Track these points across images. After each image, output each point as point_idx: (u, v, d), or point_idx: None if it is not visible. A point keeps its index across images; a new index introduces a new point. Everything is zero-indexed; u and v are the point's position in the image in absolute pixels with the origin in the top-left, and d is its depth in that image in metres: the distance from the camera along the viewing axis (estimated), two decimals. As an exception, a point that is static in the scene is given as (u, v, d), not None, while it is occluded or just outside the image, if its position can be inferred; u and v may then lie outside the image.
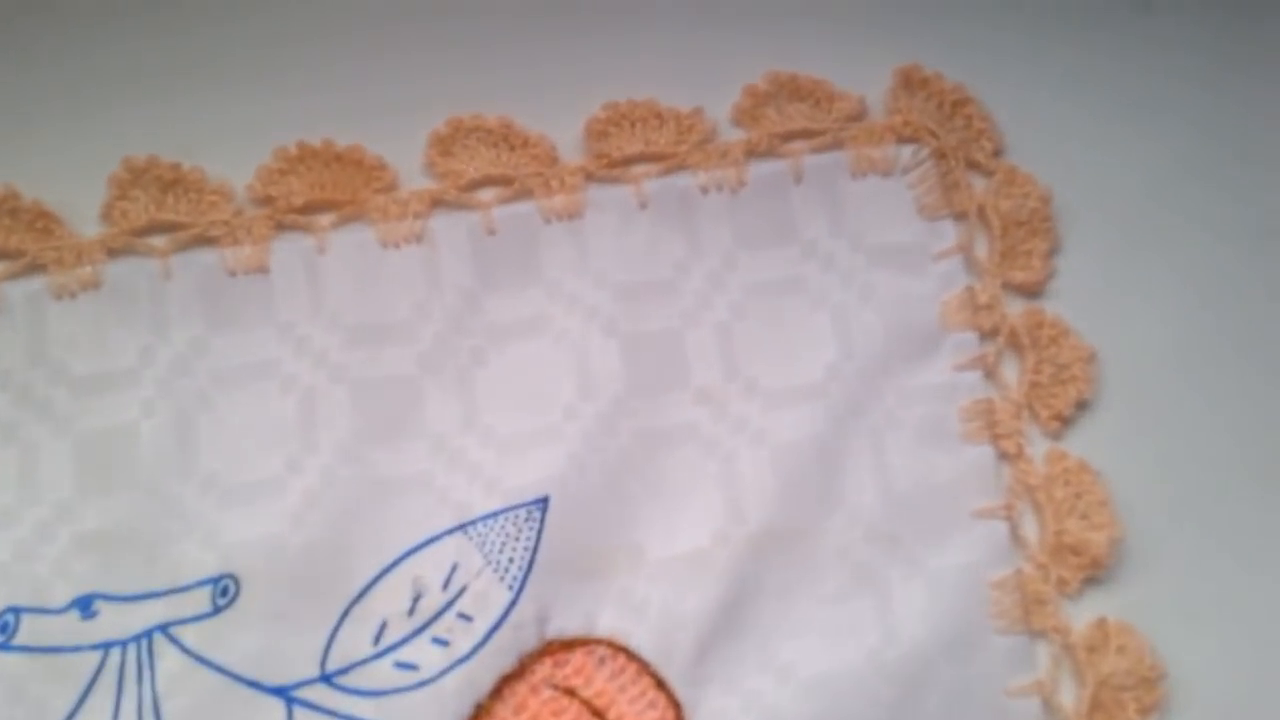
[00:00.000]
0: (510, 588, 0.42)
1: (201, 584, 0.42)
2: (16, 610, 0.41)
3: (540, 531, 0.43)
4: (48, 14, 0.46)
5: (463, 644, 0.41)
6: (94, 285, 0.43)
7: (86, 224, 0.44)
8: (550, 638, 0.42)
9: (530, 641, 0.42)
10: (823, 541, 0.43)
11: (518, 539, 0.43)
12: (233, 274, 0.44)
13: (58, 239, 0.44)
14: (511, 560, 0.43)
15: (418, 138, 0.46)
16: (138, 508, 0.42)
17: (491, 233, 0.46)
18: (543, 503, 0.43)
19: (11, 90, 0.45)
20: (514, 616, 0.42)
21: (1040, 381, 0.46)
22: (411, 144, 0.46)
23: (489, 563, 0.43)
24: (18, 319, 0.43)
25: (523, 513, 0.43)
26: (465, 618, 0.42)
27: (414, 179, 0.46)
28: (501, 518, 0.43)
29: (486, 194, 0.46)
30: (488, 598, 0.42)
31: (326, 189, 0.45)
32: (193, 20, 0.47)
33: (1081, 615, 0.43)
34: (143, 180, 0.44)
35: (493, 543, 0.43)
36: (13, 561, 0.41)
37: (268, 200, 0.45)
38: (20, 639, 0.41)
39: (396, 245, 0.45)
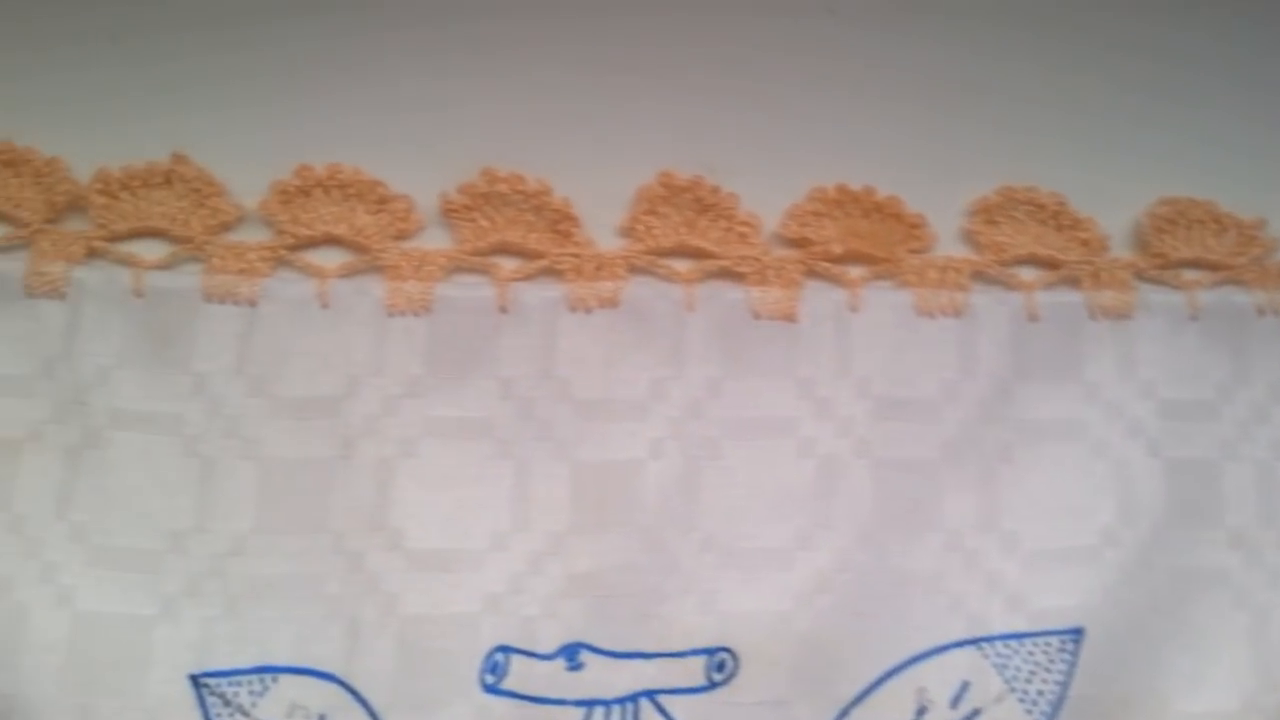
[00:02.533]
0: (1038, 723, 0.39)
1: (696, 653, 0.38)
2: (507, 651, 0.37)
3: (1074, 666, 0.39)
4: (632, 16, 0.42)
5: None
6: (612, 303, 0.40)
7: (603, 234, 0.42)
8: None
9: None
10: None
11: (1049, 670, 0.38)
12: (757, 316, 0.40)
13: (578, 245, 0.41)
14: (1041, 693, 0.38)
15: (957, 200, 0.43)
16: (633, 555, 0.38)
17: (1033, 319, 0.42)
18: (1077, 634, 0.39)
19: (556, 89, 0.41)
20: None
21: None
22: (950, 206, 0.43)
23: (1012, 690, 0.38)
24: (532, 324, 0.39)
25: (1055, 641, 0.39)
26: (980, 743, 0.38)
27: (950, 244, 0.43)
28: (1029, 642, 0.39)
29: (1029, 273, 0.43)
30: (1010, 728, 0.38)
31: (863, 240, 0.41)
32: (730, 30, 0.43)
33: None
34: (678, 199, 0.41)
35: (1017, 668, 0.38)
36: (506, 595, 0.37)
37: (801, 243, 0.41)
38: (509, 683, 0.37)
39: (932, 315, 0.41)
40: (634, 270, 0.40)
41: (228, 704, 0.36)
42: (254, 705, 0.36)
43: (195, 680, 0.36)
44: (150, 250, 0.39)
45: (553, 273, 0.40)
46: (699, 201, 0.41)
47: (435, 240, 0.40)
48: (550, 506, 0.38)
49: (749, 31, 0.43)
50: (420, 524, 0.38)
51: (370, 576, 0.37)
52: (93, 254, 0.39)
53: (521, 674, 0.37)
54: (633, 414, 0.39)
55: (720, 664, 0.38)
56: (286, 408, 0.39)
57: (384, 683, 0.36)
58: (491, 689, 0.36)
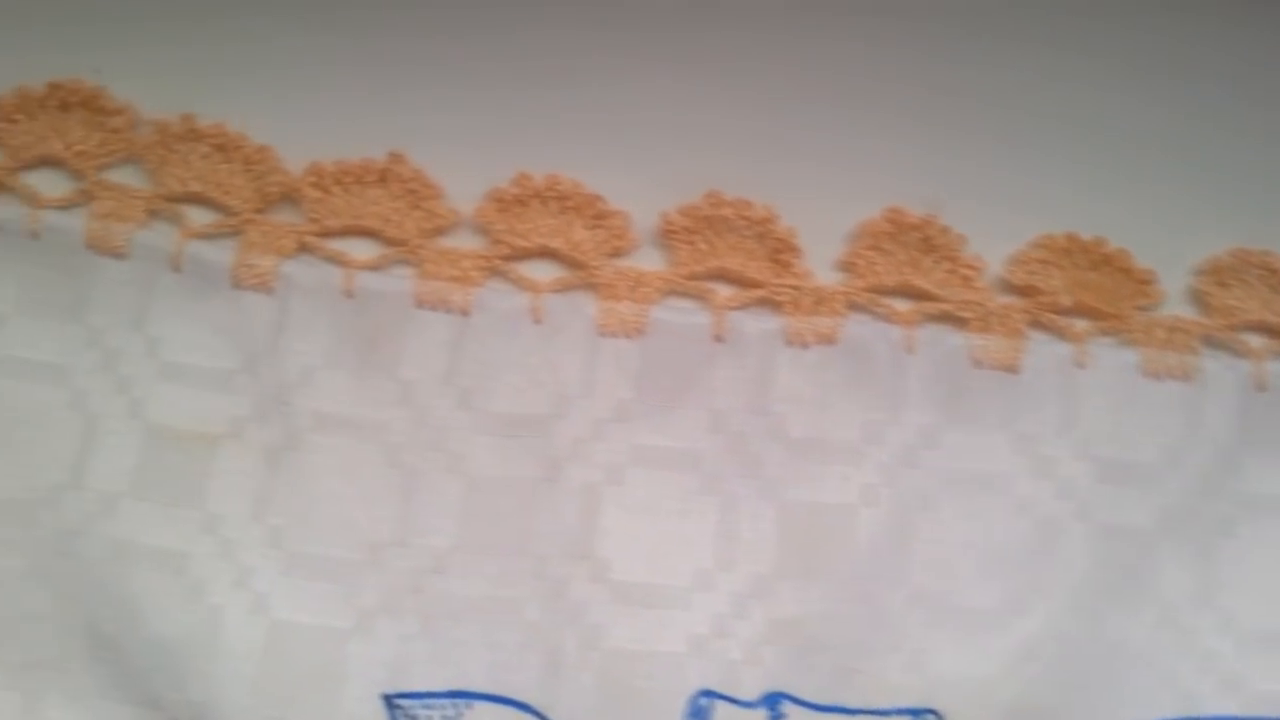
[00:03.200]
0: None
1: (901, 713, 0.36)
2: (711, 695, 0.36)
3: (1292, 757, 0.37)
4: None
5: None
6: (830, 340, 0.38)
7: (819, 267, 0.40)
8: None
9: None
10: None
11: (1264, 758, 0.37)
12: (978, 364, 0.38)
13: (797, 277, 0.39)
14: (1256, 782, 0.37)
15: (1185, 257, 0.41)
16: (840, 604, 0.36)
17: (1262, 389, 0.40)
18: (1299, 722, 0.38)
19: (782, 114, 0.40)
20: None
21: None
22: (1178, 263, 0.40)
23: (1225, 775, 0.37)
24: (747, 356, 0.38)
25: (1276, 728, 0.38)
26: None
27: (1175, 303, 0.41)
28: (1251, 729, 0.38)
29: (1256, 340, 0.41)
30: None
31: (1091, 293, 0.39)
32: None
33: None
34: (904, 236, 0.39)
35: (1232, 754, 0.37)
36: (710, 637, 0.36)
37: (1027, 291, 0.39)
38: (711, 730, 0.36)
39: (1158, 377, 0.40)
40: (852, 307, 0.39)
41: (420, 728, 0.35)
42: (447, 729, 0.35)
43: (389, 700, 0.35)
44: (360, 249, 0.38)
45: (769, 303, 0.38)
46: (926, 241, 0.39)
47: (647, 260, 0.39)
48: (756, 547, 0.37)
49: (985, 73, 0.41)
50: (625, 555, 0.36)
51: (573, 606, 0.36)
52: (303, 249, 0.38)
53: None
54: (845, 457, 0.37)
55: (928, 729, 0.37)
56: (493, 423, 0.37)
57: (583, 718, 0.35)
58: (696, 735, 0.36)
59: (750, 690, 0.36)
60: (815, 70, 0.41)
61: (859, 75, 0.41)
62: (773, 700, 0.36)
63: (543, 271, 0.39)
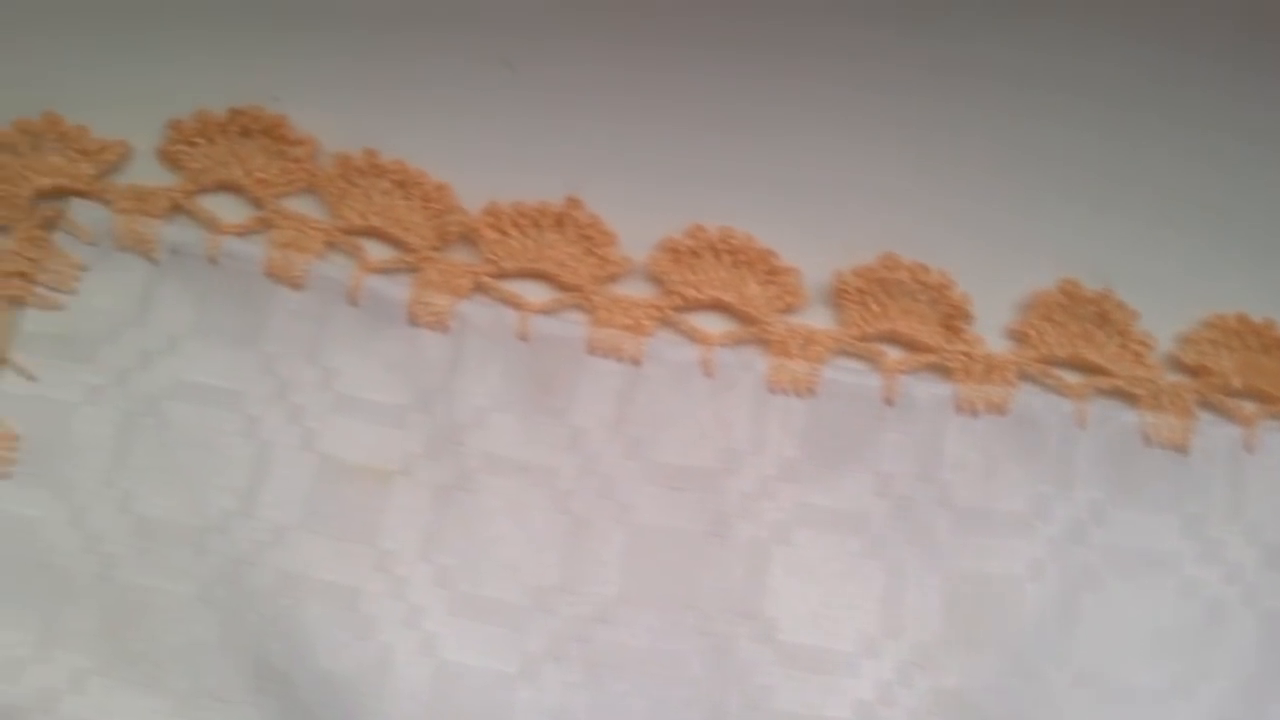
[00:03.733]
0: None
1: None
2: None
3: None
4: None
5: None
6: (1000, 409, 0.38)
7: (990, 334, 0.39)
8: None
9: None
10: None
11: None
12: (1148, 442, 0.38)
13: (968, 344, 0.39)
14: None
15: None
16: (1003, 678, 0.36)
17: None
18: None
19: (956, 181, 0.40)
20: None
21: None
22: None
23: None
24: (917, 422, 0.37)
25: None
26: None
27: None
28: None
29: None
30: None
31: (1262, 376, 0.39)
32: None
33: None
34: (1078, 309, 0.38)
35: None
36: (876, 704, 0.36)
37: (1197, 371, 0.39)
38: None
39: (1324, 463, 0.40)
40: (1023, 377, 0.38)
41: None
42: None
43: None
44: (534, 293, 0.38)
45: (940, 369, 0.38)
46: (1100, 314, 0.39)
47: (818, 319, 0.39)
48: (921, 614, 0.36)
49: (1160, 152, 0.41)
50: (792, 616, 0.36)
51: (739, 665, 0.35)
52: (478, 289, 0.38)
53: None
54: (1013, 529, 0.37)
55: None
56: (662, 474, 0.37)
57: None
58: None
59: None
60: (995, 140, 0.40)
61: (1038, 147, 0.41)
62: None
63: (714, 324, 0.39)
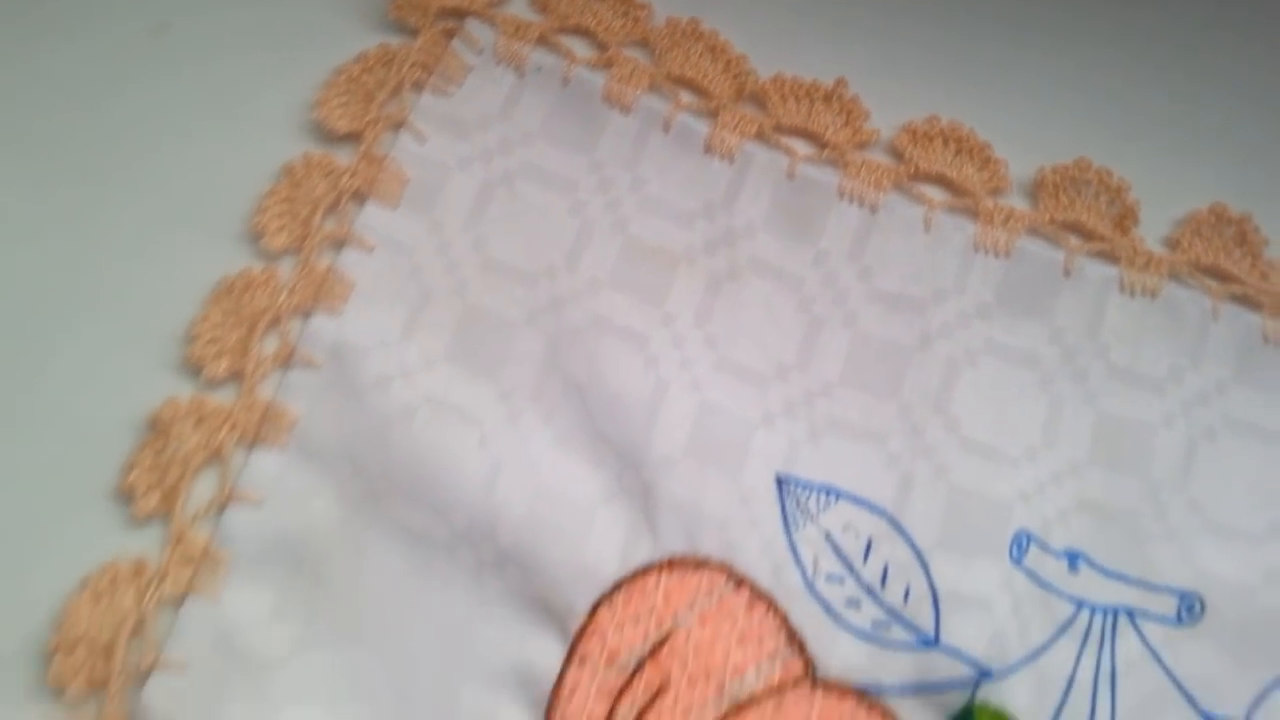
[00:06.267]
0: None
1: (1171, 591, 0.45)
2: (1028, 536, 0.45)
3: None
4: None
5: None
6: (1152, 294, 0.48)
7: (1150, 236, 0.49)
8: None
9: None
10: None
11: None
12: (1265, 340, 0.48)
13: (1134, 241, 0.49)
14: None
15: None
16: (1133, 497, 0.45)
17: None
18: None
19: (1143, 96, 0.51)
20: None
21: None
22: None
23: None
24: (1085, 293, 0.48)
25: None
26: None
27: None
28: None
29: None
30: None
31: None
32: None
33: None
34: (1223, 227, 0.48)
35: None
36: (1032, 493, 0.45)
37: (1315, 291, 0.50)
38: (1026, 562, 0.45)
39: None
40: (1173, 274, 0.48)
41: (799, 505, 0.44)
42: (818, 513, 0.44)
43: (779, 479, 0.44)
44: (801, 147, 0.49)
45: (1108, 256, 0.48)
46: (1240, 235, 0.48)
47: (1018, 202, 0.49)
48: (1074, 439, 0.46)
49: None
50: (973, 417, 0.46)
51: (928, 445, 0.45)
52: (760, 136, 0.49)
53: (1035, 559, 0.44)
54: (1153, 387, 0.47)
55: (1191, 606, 0.44)
56: (883, 296, 0.47)
57: (928, 527, 0.44)
58: (1014, 560, 0.44)
59: (1057, 543, 0.45)
60: (1188, 73, 0.51)
61: (1223, 85, 0.51)
62: (1073, 556, 0.45)
63: (935, 194, 0.49)
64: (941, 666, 0.42)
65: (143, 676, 0.40)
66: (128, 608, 0.41)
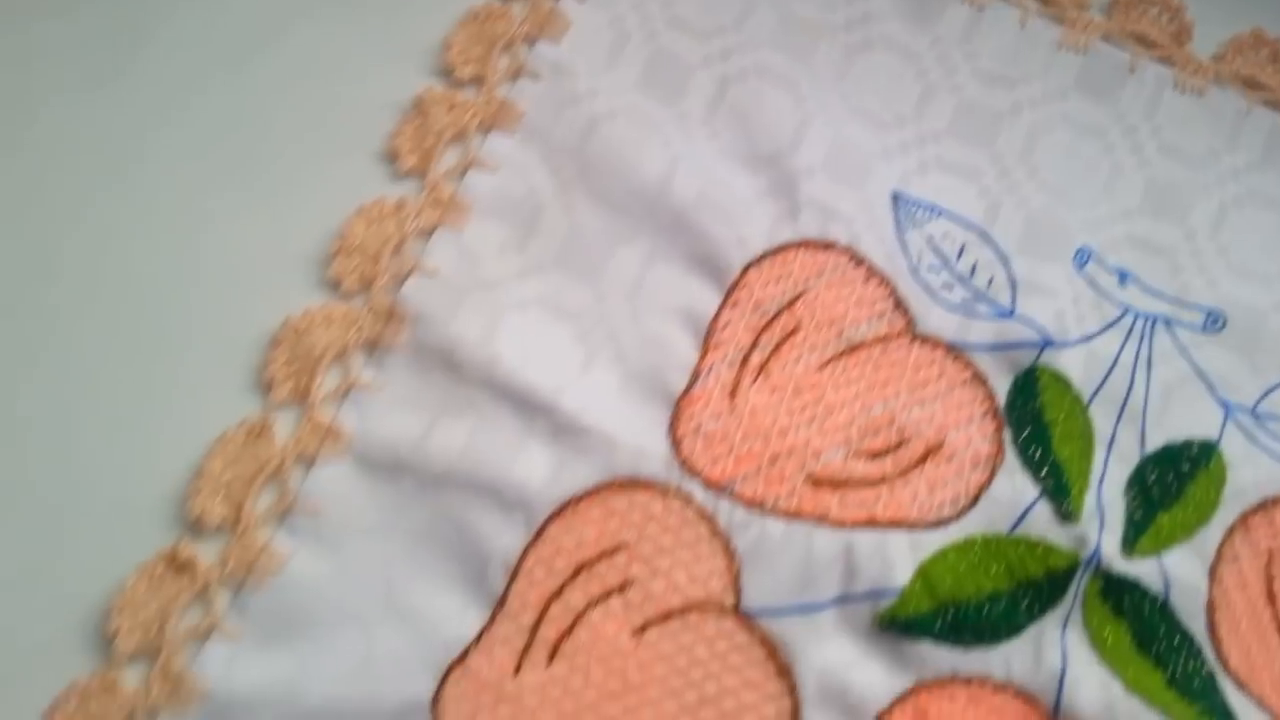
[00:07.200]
0: None
1: (1200, 308, 0.56)
2: (1089, 251, 0.56)
3: None
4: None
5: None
6: (1199, 93, 0.60)
7: (1202, 51, 0.62)
8: None
9: None
10: None
11: None
12: (1289, 140, 0.61)
13: (1186, 52, 0.61)
14: None
15: None
16: (1174, 238, 0.57)
17: None
18: None
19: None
20: None
21: None
22: None
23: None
24: (1145, 87, 0.60)
25: None
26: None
27: None
28: None
29: None
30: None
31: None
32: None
33: None
34: (1260, 48, 0.61)
35: None
36: (1095, 227, 0.57)
37: (1329, 103, 0.61)
38: (1087, 270, 0.56)
39: None
40: (1217, 80, 0.60)
41: (909, 216, 0.56)
42: (924, 223, 0.56)
43: (894, 195, 0.56)
44: None
45: (1168, 62, 0.60)
46: (1274, 54, 0.60)
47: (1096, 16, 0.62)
48: (1129, 191, 0.58)
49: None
50: (1050, 168, 0.57)
51: (1013, 183, 0.57)
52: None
53: (1093, 271, 0.56)
54: (1197, 162, 0.58)
55: (1215, 320, 0.56)
56: (980, 74, 0.59)
57: (1009, 238, 0.56)
58: (1077, 266, 0.56)
59: (1111, 262, 0.56)
60: None
61: None
62: (1123, 274, 0.56)
63: (1030, 6, 0.61)
64: (1015, 331, 0.54)
65: (401, 279, 0.53)
66: (391, 231, 0.53)
